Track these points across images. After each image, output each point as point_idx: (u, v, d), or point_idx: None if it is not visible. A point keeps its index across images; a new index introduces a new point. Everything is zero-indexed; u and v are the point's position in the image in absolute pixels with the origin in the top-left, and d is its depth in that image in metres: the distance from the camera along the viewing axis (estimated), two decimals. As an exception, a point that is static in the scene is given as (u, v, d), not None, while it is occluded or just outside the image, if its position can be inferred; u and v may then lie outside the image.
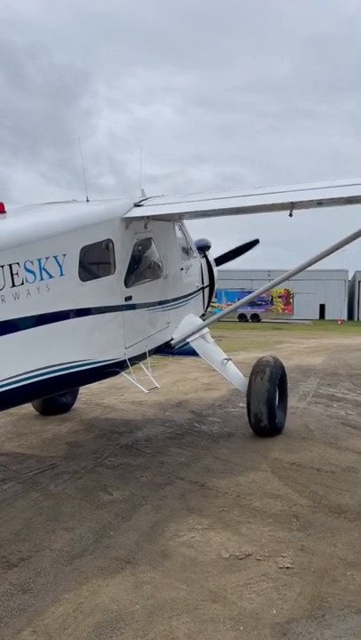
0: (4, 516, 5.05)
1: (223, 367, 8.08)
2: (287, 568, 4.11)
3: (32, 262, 5.18)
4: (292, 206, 6.14)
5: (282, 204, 6.14)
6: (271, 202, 6.18)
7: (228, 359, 8.19)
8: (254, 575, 4.01)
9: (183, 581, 3.93)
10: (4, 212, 5.78)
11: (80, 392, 10.04)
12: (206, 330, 8.29)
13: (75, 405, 9.65)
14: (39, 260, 5.26)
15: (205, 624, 3.43)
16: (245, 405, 7.96)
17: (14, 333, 5.04)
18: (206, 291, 9.69)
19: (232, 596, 3.75)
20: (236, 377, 8.11)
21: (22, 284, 5.06)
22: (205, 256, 9.77)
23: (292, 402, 9.92)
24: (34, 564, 4.19)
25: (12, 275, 4.94)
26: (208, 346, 8.19)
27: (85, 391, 10.69)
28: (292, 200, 6.03)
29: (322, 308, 60.46)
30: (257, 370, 7.76)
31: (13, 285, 4.96)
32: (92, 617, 3.51)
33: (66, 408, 9.33)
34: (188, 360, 14.73)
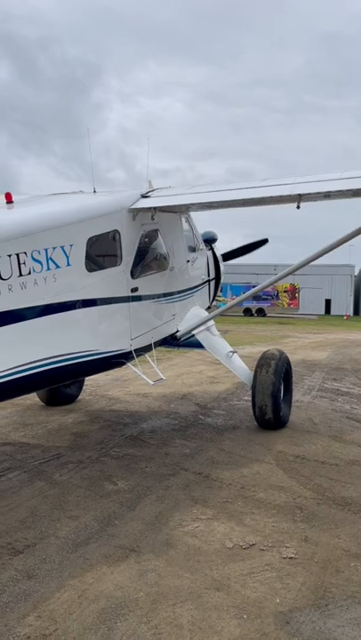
0: (10, 504, 5.09)
1: (228, 360, 8.08)
2: (291, 558, 4.13)
3: (39, 252, 5.19)
4: (299, 198, 6.11)
5: (289, 195, 6.11)
6: (278, 193, 6.15)
7: (234, 352, 8.19)
8: (258, 565, 4.03)
9: (187, 570, 3.96)
10: (12, 201, 5.79)
11: (85, 384, 10.08)
12: (212, 322, 8.29)
13: (80, 397, 9.69)
14: (46, 250, 5.27)
15: (209, 612, 3.45)
16: (250, 398, 7.97)
17: (21, 323, 5.06)
18: (212, 283, 9.68)
19: (236, 584, 3.77)
20: (242, 369, 8.11)
21: (29, 273, 5.07)
22: (212, 249, 9.76)
23: (297, 395, 9.93)
24: (39, 550, 4.23)
25: (19, 264, 4.96)
26: (214, 338, 8.20)
27: (90, 383, 10.73)
28: (299, 192, 6.00)
29: (328, 303, 60.32)
30: (262, 363, 7.76)
31: (20, 275, 4.98)
32: (96, 603, 3.54)
33: (71, 399, 9.37)
34: (193, 353, 14.76)
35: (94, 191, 7.28)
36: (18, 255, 4.94)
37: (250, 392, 7.93)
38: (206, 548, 4.30)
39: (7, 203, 5.80)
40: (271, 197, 6.25)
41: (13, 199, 5.83)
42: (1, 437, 7.31)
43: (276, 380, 7.56)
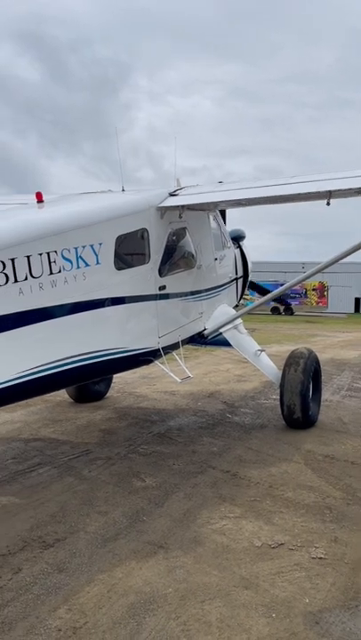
0: (41, 499, 5.18)
1: (256, 358, 8.04)
2: (320, 558, 4.09)
3: (69, 251, 5.25)
4: (329, 195, 6.02)
5: (318, 192, 6.03)
6: (307, 190, 6.08)
7: (262, 350, 8.14)
8: (287, 564, 4.01)
9: (215, 567, 3.96)
10: (43, 201, 5.88)
11: (113, 381, 10.17)
12: (239, 321, 8.25)
13: (108, 394, 9.78)
14: (76, 249, 5.34)
15: (238, 609, 3.45)
16: (278, 397, 7.91)
17: (51, 320, 5.13)
18: (240, 281, 9.64)
19: (264, 583, 3.76)
20: (270, 368, 8.06)
21: (59, 271, 5.14)
22: (240, 247, 9.71)
23: (325, 395, 9.80)
24: (69, 545, 4.29)
25: (49, 263, 5.03)
26: (241, 337, 8.16)
27: (118, 380, 10.82)
28: (329, 189, 5.92)
29: (357, 301, 59.27)
30: (291, 361, 7.69)
31: (51, 273, 5.05)
32: (125, 598, 3.58)
33: (99, 396, 9.47)
34: (219, 351, 14.70)
35: (123, 190, 7.33)
36: (48, 254, 5.02)
37: (278, 391, 7.87)
38: (234, 546, 4.29)
39: (38, 202, 5.89)
40: (300, 194, 6.18)
41: (44, 198, 5.92)
42: (31, 433, 7.44)
43: (304, 379, 7.48)
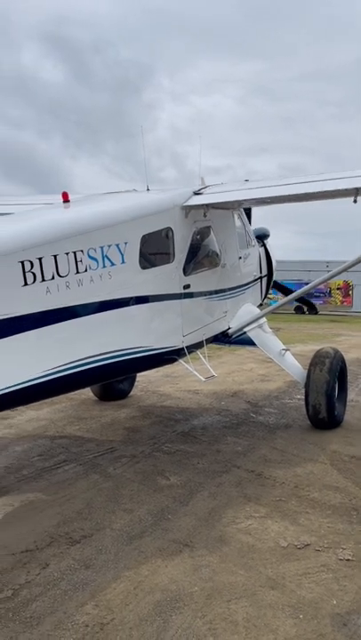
0: (67, 495, 5.23)
1: (281, 358, 7.98)
2: (348, 560, 4.04)
3: (95, 250, 5.30)
4: (356, 192, 5.95)
5: (346, 189, 5.96)
6: (334, 188, 6.01)
7: (286, 349, 8.08)
8: (313, 565, 3.98)
9: (241, 567, 3.95)
10: (69, 200, 5.93)
11: (136, 380, 10.21)
12: (264, 320, 8.21)
13: (131, 392, 9.83)
14: (102, 248, 5.38)
15: (264, 609, 3.43)
16: (303, 397, 7.84)
17: (77, 319, 5.17)
18: (264, 280, 9.58)
19: (291, 584, 3.73)
20: (295, 368, 8.00)
21: (86, 270, 5.18)
22: (264, 245, 9.65)
23: (351, 395, 9.67)
24: (95, 541, 4.33)
25: (76, 262, 5.07)
26: (266, 336, 8.11)
27: (142, 379, 10.85)
28: (357, 186, 5.84)
29: (382, 300, 58.36)
30: (316, 361, 7.62)
31: (77, 272, 5.10)
32: (152, 595, 3.59)
33: (123, 395, 9.52)
34: (243, 351, 14.62)
35: (148, 189, 7.35)
36: (75, 253, 5.06)
37: (302, 391, 7.81)
38: (260, 546, 4.27)
39: (64, 202, 5.95)
40: (327, 192, 6.11)
41: (70, 198, 5.97)
42: (57, 430, 7.52)
43: (330, 379, 7.40)
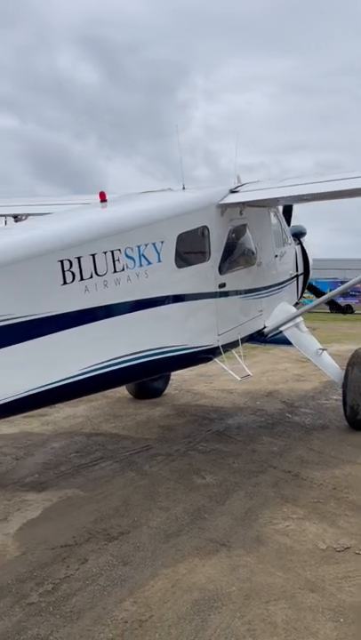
0: (104, 492, 5.29)
1: (318, 357, 7.86)
2: (389, 565, 3.95)
3: (132, 249, 5.33)
4: (396, 188, 5.80)
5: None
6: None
7: (323, 349, 7.95)
8: (354, 569, 3.90)
9: (279, 568, 3.91)
10: (106, 200, 5.99)
11: (171, 378, 10.23)
12: (300, 319, 8.10)
13: (166, 391, 9.85)
14: (138, 247, 5.40)
15: (304, 612, 3.39)
16: (340, 397, 7.71)
17: (115, 317, 5.22)
18: (301, 279, 9.46)
19: (330, 587, 3.68)
20: (332, 367, 7.86)
21: (123, 269, 5.22)
22: (300, 243, 9.53)
23: (389, 396, 9.46)
24: (133, 538, 4.36)
25: (113, 261, 5.12)
26: (302, 335, 8.00)
27: (176, 378, 10.86)
28: None
29: None
30: (354, 361, 7.48)
31: (115, 271, 5.14)
32: (189, 594, 3.60)
33: (158, 393, 9.55)
34: (277, 350, 14.46)
35: (183, 188, 7.35)
36: (113, 252, 5.11)
37: (339, 391, 7.67)
38: (298, 547, 4.22)
39: (101, 202, 6.01)
40: None
41: (107, 198, 6.03)
42: (93, 428, 7.61)
43: (368, 379, 7.25)
